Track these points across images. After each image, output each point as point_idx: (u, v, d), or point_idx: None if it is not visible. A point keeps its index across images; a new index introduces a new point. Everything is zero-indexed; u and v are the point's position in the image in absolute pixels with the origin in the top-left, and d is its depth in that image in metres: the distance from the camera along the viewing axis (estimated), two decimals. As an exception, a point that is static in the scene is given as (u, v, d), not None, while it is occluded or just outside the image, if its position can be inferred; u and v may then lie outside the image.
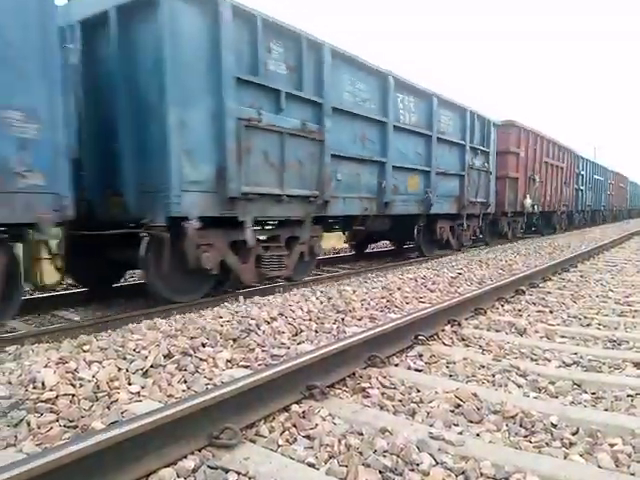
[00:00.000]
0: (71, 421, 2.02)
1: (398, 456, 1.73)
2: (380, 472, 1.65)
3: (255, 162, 5.22)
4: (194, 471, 1.67)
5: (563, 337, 3.40)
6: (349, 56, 6.61)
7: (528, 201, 13.21)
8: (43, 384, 2.27)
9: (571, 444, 1.86)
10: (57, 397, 2.19)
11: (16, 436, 1.89)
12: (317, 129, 6.06)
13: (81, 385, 2.32)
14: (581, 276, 6.27)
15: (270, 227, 6.08)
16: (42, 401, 2.14)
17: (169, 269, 4.72)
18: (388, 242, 11.68)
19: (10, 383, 2.30)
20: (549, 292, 5.13)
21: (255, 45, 5.22)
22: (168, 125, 4.43)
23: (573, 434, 1.93)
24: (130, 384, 2.41)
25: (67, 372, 2.41)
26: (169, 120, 4.43)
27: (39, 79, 3.65)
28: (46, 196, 3.69)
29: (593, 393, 2.39)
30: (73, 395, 2.23)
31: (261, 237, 5.71)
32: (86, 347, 2.86)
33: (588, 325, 3.75)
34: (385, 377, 2.55)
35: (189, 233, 4.61)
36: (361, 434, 1.93)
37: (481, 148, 10.56)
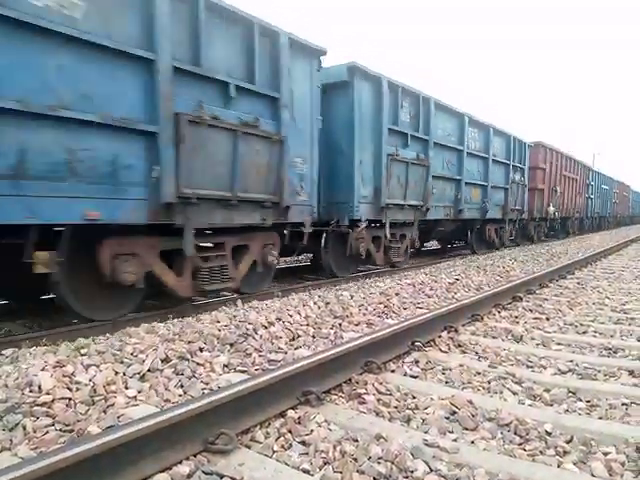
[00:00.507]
0: (67, 425, 2.02)
1: (393, 463, 1.74)
2: (374, 479, 1.66)
3: (393, 183, 7.78)
4: (189, 476, 1.68)
5: (559, 344, 3.41)
6: (444, 105, 9.27)
7: (551, 209, 15.78)
8: (39, 387, 2.27)
9: (565, 452, 1.86)
10: (53, 401, 2.19)
11: (11, 440, 1.90)
12: (425, 158, 8.58)
13: (78, 389, 2.33)
14: (578, 283, 6.28)
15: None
16: (38, 405, 2.14)
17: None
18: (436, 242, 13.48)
19: (6, 386, 2.30)
20: (546, 299, 5.15)
21: (396, 104, 7.86)
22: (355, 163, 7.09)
23: (567, 442, 1.94)
24: (127, 388, 2.42)
25: (64, 376, 2.41)
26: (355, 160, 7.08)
27: (310, 137, 6.23)
28: (308, 207, 6.24)
29: (588, 401, 2.40)
30: (69, 399, 2.23)
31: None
32: (84, 350, 2.86)
33: (584, 333, 3.76)
34: (381, 383, 2.56)
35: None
36: (356, 440, 1.93)
37: (519, 165, 13.19)
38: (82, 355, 2.78)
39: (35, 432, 1.95)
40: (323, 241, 7.06)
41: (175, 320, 3.98)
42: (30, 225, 3.59)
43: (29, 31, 3.45)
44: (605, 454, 1.84)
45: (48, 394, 2.22)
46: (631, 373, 2.79)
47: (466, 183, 10.19)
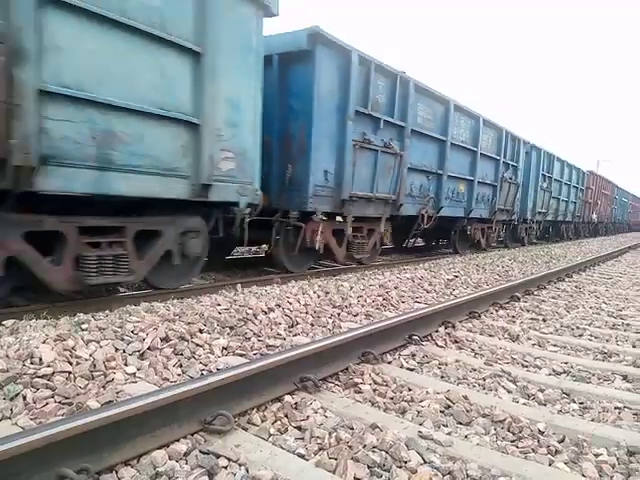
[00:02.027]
0: (67, 398, 2.04)
1: (387, 452, 1.77)
2: (369, 467, 1.69)
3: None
4: (186, 454, 1.71)
5: (555, 346, 3.44)
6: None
7: (594, 215, 23.09)
8: (40, 360, 2.29)
9: (557, 452, 1.89)
10: (53, 373, 2.21)
11: (12, 409, 1.92)
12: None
13: (78, 363, 2.35)
14: (576, 287, 6.31)
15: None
16: (39, 376, 2.16)
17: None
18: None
19: (8, 357, 2.31)
20: (543, 300, 5.17)
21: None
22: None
23: (559, 442, 1.97)
24: (126, 365, 2.44)
25: (65, 349, 2.43)
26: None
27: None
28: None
29: (581, 403, 2.42)
30: (69, 372, 2.25)
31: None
32: (84, 326, 2.88)
33: (580, 335, 3.79)
34: (378, 374, 2.58)
35: None
36: (352, 428, 1.96)
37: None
38: (83, 330, 2.79)
39: (35, 403, 1.98)
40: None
41: (175, 301, 3.99)
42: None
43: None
44: (596, 455, 1.87)
45: (49, 366, 2.24)
46: (625, 378, 2.82)
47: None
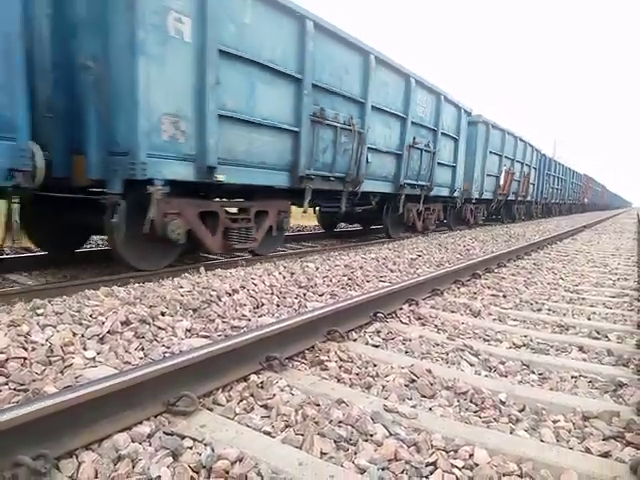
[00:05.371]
0: (21, 385, 1.97)
1: (353, 427, 1.77)
2: (335, 442, 1.69)
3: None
4: (149, 436, 1.67)
5: (515, 320, 3.53)
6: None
7: (586, 200, 35.72)
8: (-7, 346, 2.20)
9: (517, 420, 1.94)
10: (7, 360, 2.12)
11: (-38, 397, 1.83)
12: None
13: (34, 349, 2.26)
14: (534, 264, 6.50)
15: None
16: (-9, 363, 2.07)
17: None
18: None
19: (-43, 344, 2.21)
20: (503, 277, 5.31)
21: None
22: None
23: (520, 411, 2.03)
24: (85, 349, 2.36)
25: (19, 335, 2.34)
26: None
27: None
28: None
29: (540, 374, 2.50)
30: (25, 359, 2.17)
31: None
32: (40, 311, 2.78)
33: (539, 310, 3.91)
34: (343, 351, 2.59)
35: None
36: (318, 405, 1.96)
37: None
38: (38, 315, 2.69)
39: (-13, 390, 1.89)
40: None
41: (136, 284, 3.90)
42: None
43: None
44: (554, 422, 1.93)
45: (2, 353, 2.15)
46: (581, 349, 2.92)
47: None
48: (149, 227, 4.37)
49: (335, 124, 6.70)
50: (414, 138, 8.95)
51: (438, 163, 10.16)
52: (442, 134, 10.20)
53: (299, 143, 6.07)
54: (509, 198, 16.46)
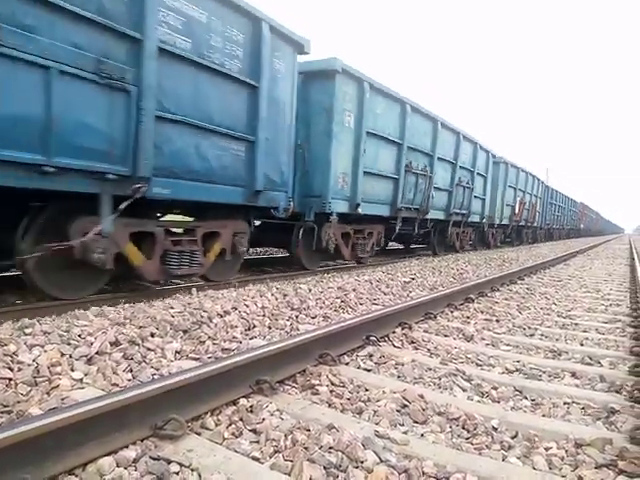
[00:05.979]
0: (5, 406, 1.93)
1: (343, 453, 1.74)
2: (325, 468, 1.66)
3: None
4: (135, 461, 1.63)
5: (508, 345, 3.52)
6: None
7: (582, 225, 32.77)
8: (-23, 366, 2.16)
9: (510, 447, 1.92)
10: (-8, 380, 2.08)
11: (-55, 419, 1.79)
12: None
13: (20, 369, 2.22)
14: (527, 289, 6.51)
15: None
16: (-25, 384, 2.03)
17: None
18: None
19: (-59, 364, 2.17)
20: (496, 302, 5.30)
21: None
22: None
23: (512, 438, 2.00)
24: (73, 370, 2.33)
25: (5, 355, 2.30)
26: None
27: None
28: None
29: (533, 399, 2.48)
30: (10, 379, 2.13)
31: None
32: (28, 330, 2.74)
33: (531, 335, 3.90)
34: (335, 375, 2.56)
35: None
36: (308, 430, 1.93)
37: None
38: (26, 335, 2.66)
39: (-30, 412, 1.85)
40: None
41: (126, 305, 3.86)
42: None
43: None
44: (547, 449, 1.91)
45: (-14, 373, 2.11)
46: (573, 375, 2.91)
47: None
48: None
49: (416, 171, 9.47)
50: (459, 178, 11.91)
51: (474, 196, 13.12)
52: (477, 173, 13.21)
53: (398, 186, 8.90)
54: (520, 224, 19.22)
